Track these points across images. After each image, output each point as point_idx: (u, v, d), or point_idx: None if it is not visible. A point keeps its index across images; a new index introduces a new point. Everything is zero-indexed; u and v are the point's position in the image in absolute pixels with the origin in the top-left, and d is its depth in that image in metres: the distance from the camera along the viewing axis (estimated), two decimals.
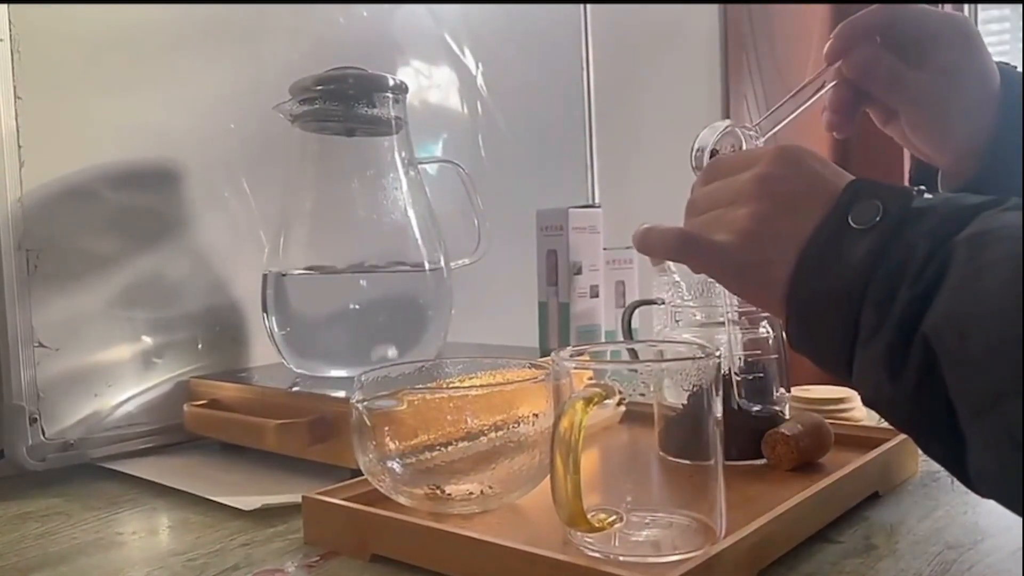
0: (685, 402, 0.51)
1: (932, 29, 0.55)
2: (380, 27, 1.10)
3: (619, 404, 0.48)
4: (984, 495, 0.36)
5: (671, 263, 0.92)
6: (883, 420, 0.41)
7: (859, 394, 0.41)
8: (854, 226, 0.40)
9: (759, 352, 0.67)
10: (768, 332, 0.68)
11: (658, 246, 0.49)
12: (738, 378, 0.63)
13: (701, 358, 0.50)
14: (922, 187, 0.42)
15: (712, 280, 0.49)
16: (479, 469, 0.56)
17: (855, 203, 0.41)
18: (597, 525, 0.46)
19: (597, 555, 0.47)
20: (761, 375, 0.67)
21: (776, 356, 0.68)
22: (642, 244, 0.50)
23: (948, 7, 2.48)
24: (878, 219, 0.40)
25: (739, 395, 0.63)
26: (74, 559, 0.56)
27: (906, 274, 0.37)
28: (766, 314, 0.69)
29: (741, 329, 0.67)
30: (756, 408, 0.64)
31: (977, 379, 0.33)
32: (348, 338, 0.83)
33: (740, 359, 0.64)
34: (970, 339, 0.33)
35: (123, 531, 0.61)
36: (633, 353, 0.62)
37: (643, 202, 1.56)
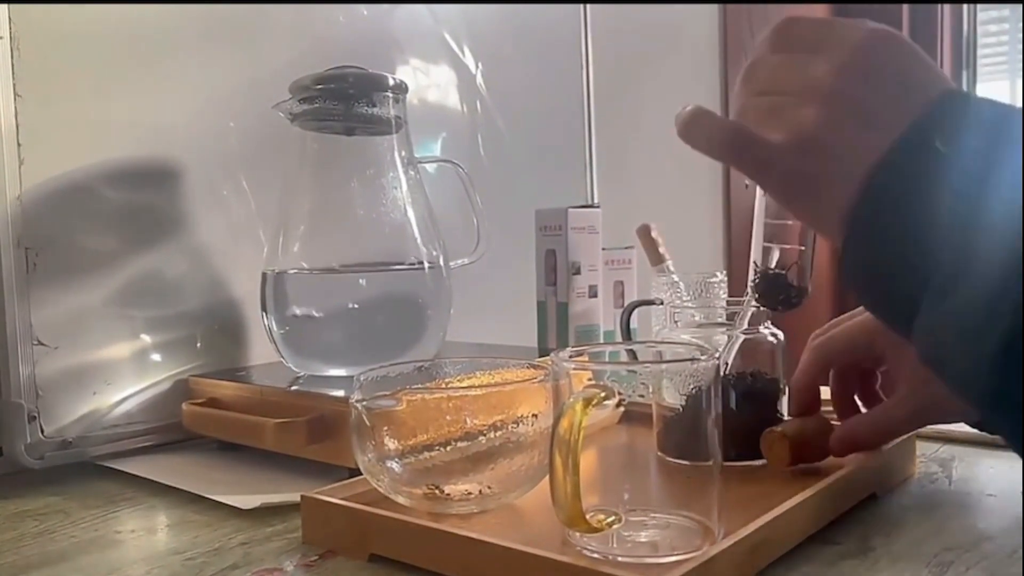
0: (684, 403, 0.51)
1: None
2: (380, 26, 1.10)
3: (618, 405, 0.48)
4: None
5: (670, 263, 0.92)
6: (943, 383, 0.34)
7: (917, 349, 0.34)
8: (941, 149, 0.34)
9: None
10: (768, 332, 0.69)
11: (703, 139, 0.41)
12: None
13: (700, 359, 0.50)
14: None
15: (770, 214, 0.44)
16: (478, 469, 0.56)
17: (947, 120, 0.34)
18: (596, 526, 0.46)
19: (595, 556, 0.47)
20: (766, 374, 0.67)
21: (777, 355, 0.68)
22: (685, 132, 0.42)
23: (948, 8, 2.48)
24: (973, 144, 0.33)
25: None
26: (72, 557, 0.56)
27: (1004, 217, 0.31)
28: (768, 321, 0.69)
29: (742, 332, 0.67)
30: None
31: None
32: (347, 337, 0.83)
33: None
34: None
35: (121, 529, 0.61)
36: (632, 354, 0.62)
37: (643, 202, 1.56)
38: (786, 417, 0.70)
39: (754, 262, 0.49)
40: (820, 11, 2.45)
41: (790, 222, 0.48)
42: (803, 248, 0.48)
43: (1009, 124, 0.33)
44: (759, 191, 0.47)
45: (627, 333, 0.95)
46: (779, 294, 0.48)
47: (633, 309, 0.95)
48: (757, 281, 0.49)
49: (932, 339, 0.33)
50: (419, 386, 0.61)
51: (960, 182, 0.32)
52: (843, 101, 0.37)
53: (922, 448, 0.74)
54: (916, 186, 0.34)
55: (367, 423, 0.56)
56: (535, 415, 0.57)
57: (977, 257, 0.31)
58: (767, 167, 0.39)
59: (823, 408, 0.83)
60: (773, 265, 0.48)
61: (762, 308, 0.52)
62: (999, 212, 0.31)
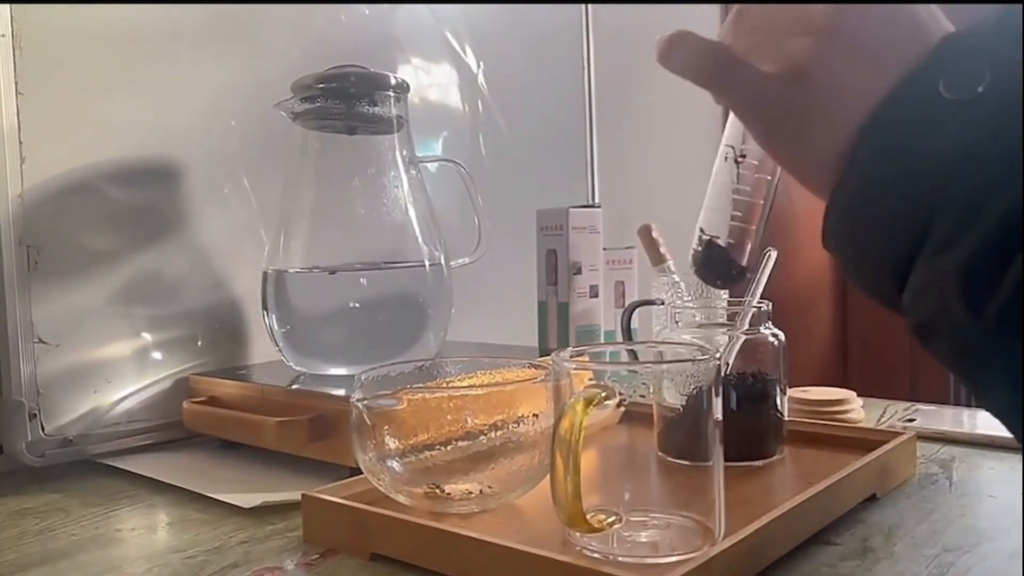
0: (684, 403, 0.51)
1: None
2: (381, 25, 1.10)
3: (619, 405, 0.48)
4: None
5: (671, 263, 0.92)
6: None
7: (908, 316, 0.32)
8: (946, 95, 0.31)
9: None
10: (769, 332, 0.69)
11: (682, 61, 0.38)
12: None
13: (701, 360, 0.50)
14: None
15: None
16: (478, 469, 0.56)
17: (953, 63, 0.31)
18: (596, 526, 0.46)
19: (596, 556, 0.47)
20: (767, 375, 0.67)
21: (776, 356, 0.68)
22: (665, 54, 0.39)
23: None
24: (981, 90, 0.30)
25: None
26: (73, 555, 0.56)
27: (1012, 171, 0.28)
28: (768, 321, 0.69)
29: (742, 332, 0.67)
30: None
31: None
32: (348, 336, 0.83)
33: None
34: None
35: (122, 528, 0.61)
36: (633, 354, 0.62)
37: (643, 202, 1.56)
38: (786, 417, 0.70)
39: (701, 228, 0.46)
40: None
41: (761, 202, 0.45)
42: (754, 227, 0.46)
43: (1018, 71, 0.30)
44: (720, 154, 0.45)
45: (628, 333, 0.95)
46: (723, 268, 0.46)
47: (634, 309, 0.95)
48: (701, 251, 0.45)
49: (923, 301, 0.31)
50: (420, 385, 0.61)
51: (963, 133, 0.30)
52: (839, 34, 0.35)
53: (922, 449, 0.74)
54: (915, 137, 0.31)
55: (368, 422, 0.56)
56: (536, 415, 0.57)
57: (980, 214, 0.29)
58: (752, 96, 0.36)
59: (822, 409, 0.84)
60: (724, 237, 0.45)
61: (699, 278, 0.48)
62: (1005, 167, 0.29)
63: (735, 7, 0.40)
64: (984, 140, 0.30)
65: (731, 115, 0.44)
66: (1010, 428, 0.31)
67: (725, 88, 0.38)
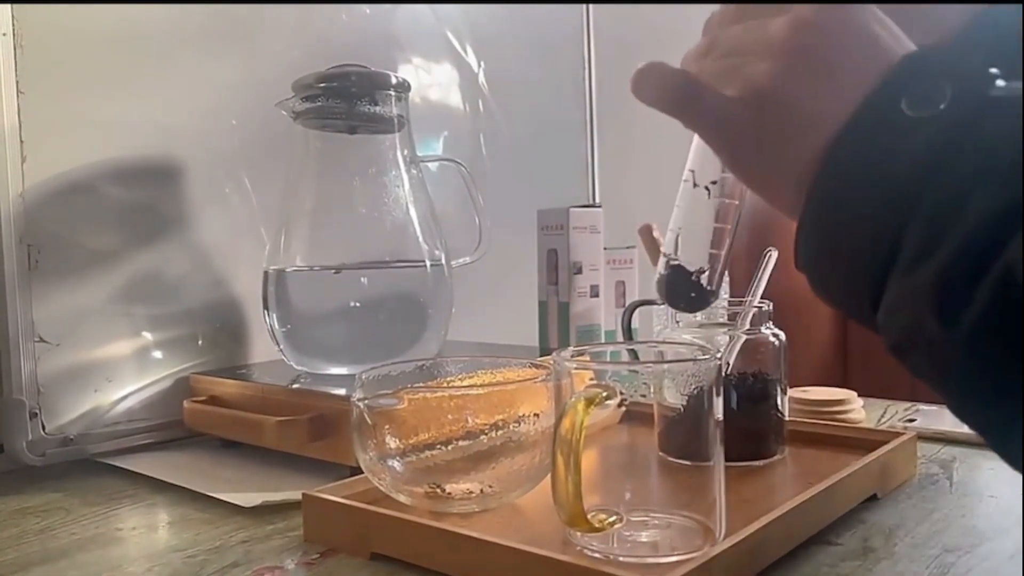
0: (685, 403, 0.51)
1: None
2: (382, 24, 1.10)
3: (620, 405, 0.48)
4: None
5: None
6: (913, 374, 0.32)
7: (883, 334, 0.32)
8: (908, 113, 0.31)
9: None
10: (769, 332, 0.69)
11: (653, 90, 0.39)
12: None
13: (702, 359, 0.50)
14: (995, 70, 0.31)
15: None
16: (479, 468, 0.56)
17: (913, 81, 0.32)
18: (597, 525, 0.46)
19: (597, 555, 0.47)
20: (767, 375, 0.67)
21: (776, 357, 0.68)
22: (636, 86, 0.39)
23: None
24: (943, 107, 0.30)
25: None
26: (73, 555, 0.56)
27: (980, 185, 0.28)
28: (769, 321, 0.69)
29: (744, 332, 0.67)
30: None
31: None
32: (349, 335, 0.83)
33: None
34: None
35: (122, 527, 0.61)
36: (633, 354, 0.62)
37: (643, 202, 1.56)
38: (787, 417, 0.70)
39: (665, 253, 0.46)
40: None
41: (728, 226, 0.45)
42: (721, 252, 0.46)
43: (980, 85, 0.31)
44: (684, 179, 0.45)
45: (628, 333, 0.95)
46: (689, 293, 0.45)
47: (634, 309, 0.95)
48: (666, 275, 0.45)
49: (898, 318, 0.31)
50: (421, 385, 0.61)
51: (927, 149, 0.30)
52: (800, 55, 0.35)
53: (923, 449, 0.74)
54: (880, 155, 0.31)
55: (368, 421, 0.56)
56: (536, 414, 0.57)
57: (948, 228, 0.29)
58: (717, 122, 0.37)
59: (822, 409, 0.84)
60: (689, 262, 0.45)
61: (663, 304, 0.47)
62: (970, 181, 0.29)
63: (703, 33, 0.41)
64: (948, 155, 0.30)
65: (695, 140, 0.44)
66: (990, 441, 0.31)
67: (691, 115, 0.38)
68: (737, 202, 0.45)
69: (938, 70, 0.32)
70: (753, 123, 0.36)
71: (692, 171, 0.45)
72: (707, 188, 0.45)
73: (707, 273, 0.45)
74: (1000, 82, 0.31)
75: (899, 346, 0.32)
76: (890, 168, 0.31)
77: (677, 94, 0.38)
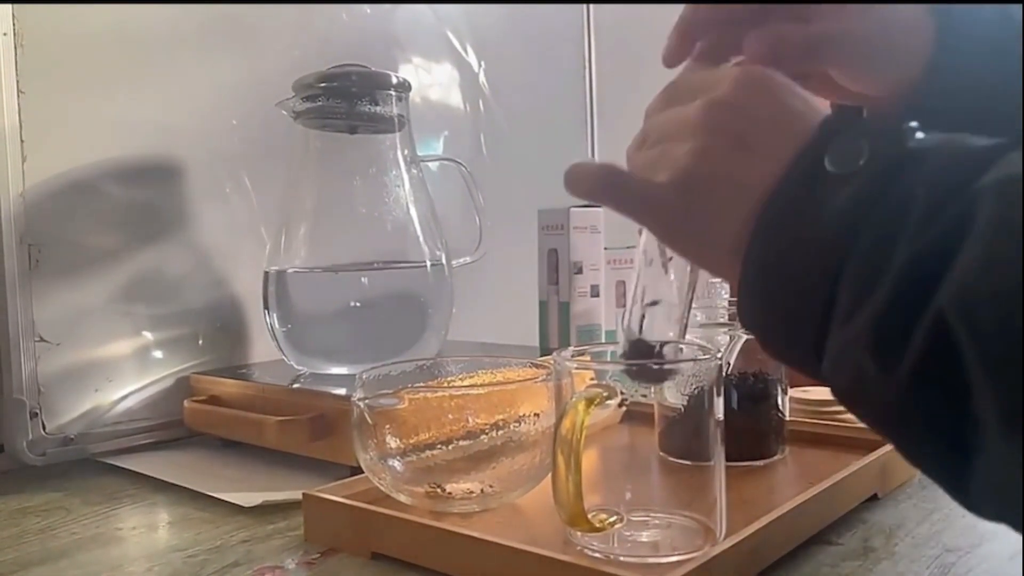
0: (686, 403, 0.51)
1: None
2: (383, 24, 1.10)
3: (621, 405, 0.48)
4: (988, 517, 0.30)
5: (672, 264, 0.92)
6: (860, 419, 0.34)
7: (830, 386, 0.33)
8: (832, 171, 0.33)
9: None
10: None
11: (583, 185, 0.41)
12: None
13: (702, 359, 0.50)
14: (913, 124, 0.33)
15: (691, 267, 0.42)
16: (479, 468, 0.56)
17: (833, 141, 0.33)
18: (597, 525, 0.47)
19: (597, 555, 0.47)
20: (768, 375, 0.67)
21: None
22: (569, 185, 0.42)
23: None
24: (863, 162, 0.32)
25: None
26: (74, 554, 0.56)
27: (903, 230, 0.29)
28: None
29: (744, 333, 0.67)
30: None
31: None
32: (349, 335, 0.83)
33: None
34: (1018, 318, 0.25)
35: (123, 526, 0.61)
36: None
37: None
38: (787, 417, 0.70)
39: (629, 327, 0.47)
40: None
41: (684, 299, 0.47)
42: (681, 324, 0.47)
43: (897, 139, 0.32)
44: (637, 259, 0.47)
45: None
46: (652, 366, 0.46)
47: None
48: (629, 349, 0.47)
49: (841, 368, 0.32)
50: (421, 384, 0.61)
51: (852, 203, 0.31)
52: (720, 130, 0.37)
53: None
54: (807, 213, 0.33)
55: (369, 421, 0.56)
56: (537, 414, 0.57)
57: (878, 276, 0.30)
58: (649, 205, 0.39)
59: (822, 409, 0.83)
60: (650, 334, 0.46)
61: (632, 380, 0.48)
62: (894, 228, 0.30)
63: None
64: (871, 206, 0.31)
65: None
66: (941, 486, 0.31)
67: (621, 203, 0.40)
68: (690, 272, 0.46)
69: (855, 129, 0.33)
70: (683, 202, 0.37)
71: (644, 251, 0.46)
72: (664, 266, 0.46)
73: (669, 346, 0.46)
74: (919, 135, 0.32)
75: (845, 395, 0.33)
76: (819, 225, 0.32)
77: (603, 184, 0.40)
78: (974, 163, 0.29)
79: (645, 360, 0.46)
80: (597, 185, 0.40)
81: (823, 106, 0.37)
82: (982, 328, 0.26)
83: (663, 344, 0.46)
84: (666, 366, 0.47)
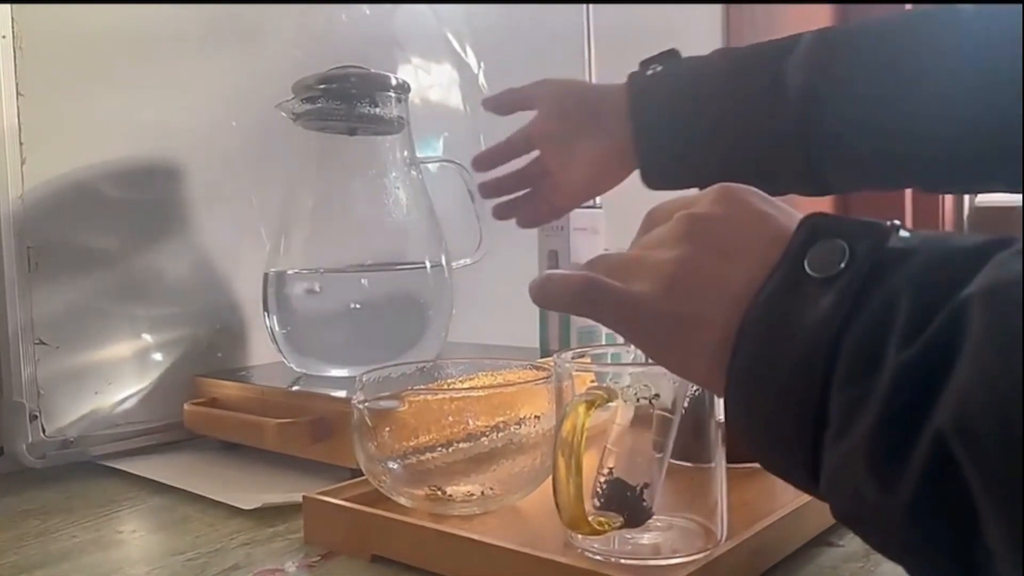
0: (687, 405, 0.51)
1: None
2: (382, 25, 1.10)
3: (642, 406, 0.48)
4: None
5: None
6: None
7: (830, 505, 0.31)
8: (812, 274, 0.32)
9: None
10: None
11: (558, 297, 0.40)
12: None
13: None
14: (896, 221, 0.32)
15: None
16: (480, 470, 0.56)
17: (813, 245, 0.33)
18: (598, 528, 0.46)
19: (598, 558, 0.47)
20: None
21: None
22: (538, 294, 0.41)
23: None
24: (843, 265, 0.31)
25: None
26: (74, 557, 0.56)
27: (889, 336, 0.28)
28: None
29: None
30: None
31: None
32: (349, 337, 0.83)
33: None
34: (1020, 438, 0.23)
35: (123, 529, 0.61)
36: (635, 355, 0.62)
37: (644, 203, 1.55)
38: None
39: (609, 468, 0.47)
40: (823, 12, 2.44)
41: (663, 449, 0.47)
42: (663, 469, 0.47)
43: (878, 237, 0.31)
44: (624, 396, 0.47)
45: None
46: (632, 508, 0.47)
47: None
48: (607, 490, 0.47)
49: (839, 489, 0.30)
50: (421, 387, 0.61)
51: (835, 307, 0.30)
52: (701, 239, 0.37)
53: None
54: (790, 319, 0.32)
55: (369, 423, 0.56)
56: (537, 416, 0.57)
57: (869, 386, 0.28)
58: (629, 315, 0.38)
59: None
60: (633, 481, 0.46)
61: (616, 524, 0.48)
62: (882, 334, 0.29)
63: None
64: (856, 310, 0.30)
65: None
66: None
67: (602, 313, 0.39)
68: (675, 417, 0.47)
69: (834, 230, 0.33)
70: (666, 310, 0.37)
71: (628, 386, 0.47)
72: (650, 401, 0.47)
73: (649, 488, 0.47)
74: (903, 232, 0.32)
75: (846, 516, 0.31)
76: (802, 334, 0.31)
77: (580, 296, 0.39)
78: (958, 264, 0.28)
79: (627, 502, 0.46)
80: (576, 298, 0.39)
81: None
82: (984, 450, 0.24)
83: (644, 486, 0.46)
84: (647, 509, 0.47)
